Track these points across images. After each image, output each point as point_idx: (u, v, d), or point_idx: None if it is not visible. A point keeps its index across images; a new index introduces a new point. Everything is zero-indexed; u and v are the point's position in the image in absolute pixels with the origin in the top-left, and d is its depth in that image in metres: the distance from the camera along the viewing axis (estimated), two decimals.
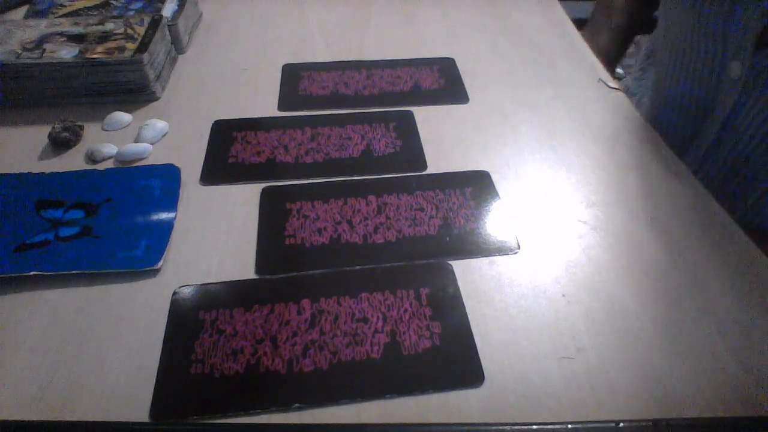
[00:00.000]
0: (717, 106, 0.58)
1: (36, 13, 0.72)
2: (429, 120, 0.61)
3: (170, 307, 0.42)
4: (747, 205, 0.59)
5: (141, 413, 0.36)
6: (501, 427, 0.35)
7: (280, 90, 0.66)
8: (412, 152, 0.57)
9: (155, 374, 0.38)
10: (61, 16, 0.71)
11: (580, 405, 0.36)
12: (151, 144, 0.57)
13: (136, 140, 0.58)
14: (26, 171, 0.54)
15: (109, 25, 0.66)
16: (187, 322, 0.41)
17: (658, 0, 0.68)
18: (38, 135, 0.58)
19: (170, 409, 0.36)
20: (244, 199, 0.51)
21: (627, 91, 0.58)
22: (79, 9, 0.73)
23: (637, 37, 0.86)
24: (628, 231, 0.48)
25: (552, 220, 0.49)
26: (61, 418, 0.35)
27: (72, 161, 0.56)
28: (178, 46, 0.72)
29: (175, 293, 0.43)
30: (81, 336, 0.40)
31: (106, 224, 0.48)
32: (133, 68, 0.61)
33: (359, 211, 0.50)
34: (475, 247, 0.47)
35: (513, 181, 0.54)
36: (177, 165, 0.54)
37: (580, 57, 0.72)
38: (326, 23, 0.80)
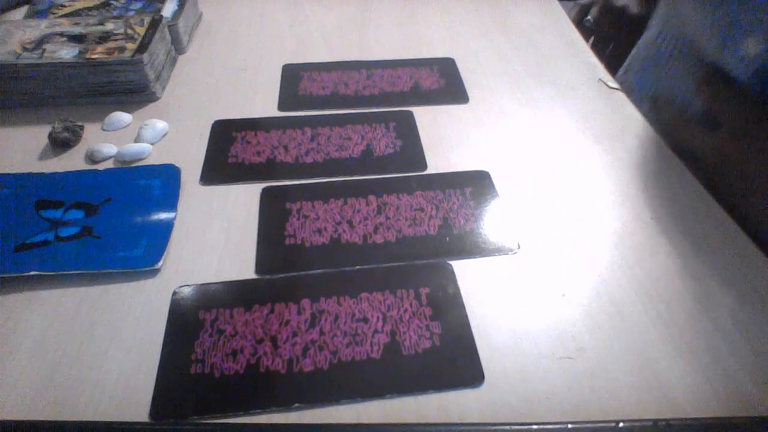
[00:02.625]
0: None
1: (36, 13, 0.72)
2: (429, 120, 0.61)
3: (170, 307, 0.42)
4: None
5: (141, 413, 0.36)
6: (501, 427, 0.35)
7: (280, 90, 0.66)
8: (412, 152, 0.57)
9: (155, 374, 0.38)
10: (61, 17, 0.71)
11: (580, 405, 0.36)
12: (151, 144, 0.57)
13: (136, 140, 0.58)
14: (26, 171, 0.54)
15: (109, 26, 0.66)
16: (187, 322, 0.41)
17: None
18: (38, 135, 0.58)
19: (170, 409, 0.36)
20: (244, 199, 0.51)
21: None
22: (79, 9, 0.73)
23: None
24: (628, 231, 0.48)
25: (552, 220, 0.49)
26: (61, 418, 0.35)
27: (72, 161, 0.56)
28: (178, 47, 0.72)
29: (175, 293, 0.43)
30: (81, 336, 0.40)
31: (106, 224, 0.48)
32: (133, 68, 0.61)
33: (359, 211, 0.50)
34: (475, 247, 0.47)
35: (513, 181, 0.54)
36: (177, 165, 0.54)
37: (580, 57, 0.72)
38: (326, 23, 0.80)
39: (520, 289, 0.43)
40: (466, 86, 0.67)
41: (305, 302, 0.42)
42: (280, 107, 0.64)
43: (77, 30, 0.65)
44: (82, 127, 0.58)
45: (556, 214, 0.50)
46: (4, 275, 0.43)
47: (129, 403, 0.36)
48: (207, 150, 0.57)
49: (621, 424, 0.35)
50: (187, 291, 0.43)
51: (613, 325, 0.41)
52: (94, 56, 0.61)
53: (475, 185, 0.53)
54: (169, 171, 0.54)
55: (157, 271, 0.45)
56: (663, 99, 0.61)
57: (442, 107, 0.64)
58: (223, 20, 0.81)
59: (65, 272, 0.44)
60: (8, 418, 0.35)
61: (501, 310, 0.42)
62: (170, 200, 0.51)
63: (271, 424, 0.35)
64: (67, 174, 0.53)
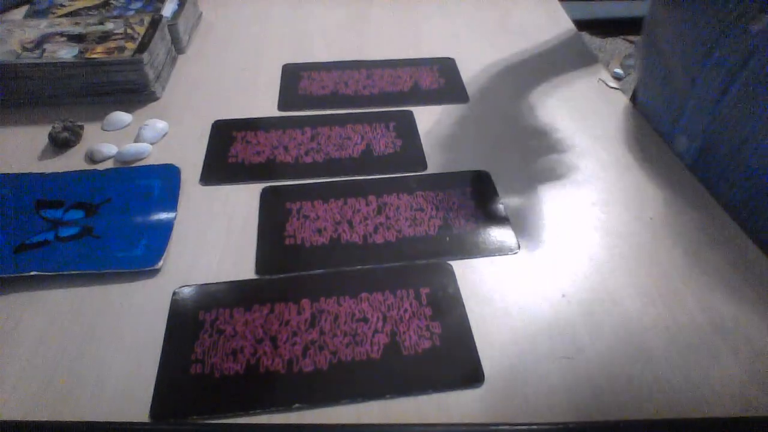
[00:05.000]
0: None
1: (36, 13, 0.72)
2: (429, 120, 0.61)
3: (170, 307, 0.42)
4: None
5: (141, 413, 0.36)
6: (501, 427, 0.35)
7: (280, 90, 0.66)
8: (412, 152, 0.57)
9: (155, 374, 0.38)
10: (61, 16, 0.71)
11: (580, 405, 0.36)
12: (151, 144, 0.57)
13: (136, 140, 0.58)
14: (26, 171, 0.54)
15: (109, 25, 0.66)
16: (187, 322, 0.41)
17: None
18: (38, 135, 0.58)
19: (170, 409, 0.36)
20: (244, 199, 0.51)
21: None
22: (79, 9, 0.73)
23: (637, 38, 0.86)
24: (628, 231, 0.48)
25: (552, 220, 0.49)
26: (61, 418, 0.35)
27: (72, 161, 0.56)
28: (178, 46, 0.72)
29: (175, 293, 0.43)
30: (81, 336, 0.40)
31: (106, 224, 0.48)
32: (132, 68, 0.61)
33: (359, 211, 0.50)
34: (475, 247, 0.47)
35: (513, 181, 0.54)
36: (177, 165, 0.54)
37: (580, 57, 0.72)
38: (326, 23, 0.80)
39: (520, 289, 0.43)
40: (466, 86, 0.67)
41: (305, 302, 0.42)
42: (280, 107, 0.64)
43: (77, 30, 0.65)
44: (82, 127, 0.58)
45: (556, 214, 0.50)
46: (4, 275, 0.43)
47: (129, 403, 0.36)
48: (207, 150, 0.57)
49: (621, 425, 0.35)
50: (187, 291, 0.43)
51: (613, 325, 0.41)
52: (93, 56, 0.61)
53: (475, 185, 0.53)
54: (169, 171, 0.54)
55: (157, 271, 0.44)
56: None
57: (442, 107, 0.64)
58: (223, 20, 0.81)
59: (65, 272, 0.44)
60: (8, 418, 0.35)
61: (501, 310, 0.42)
62: (170, 200, 0.51)
63: (271, 424, 0.35)
64: (67, 174, 0.53)
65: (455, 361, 0.39)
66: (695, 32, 0.53)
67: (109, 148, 0.56)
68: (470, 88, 0.66)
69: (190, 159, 0.56)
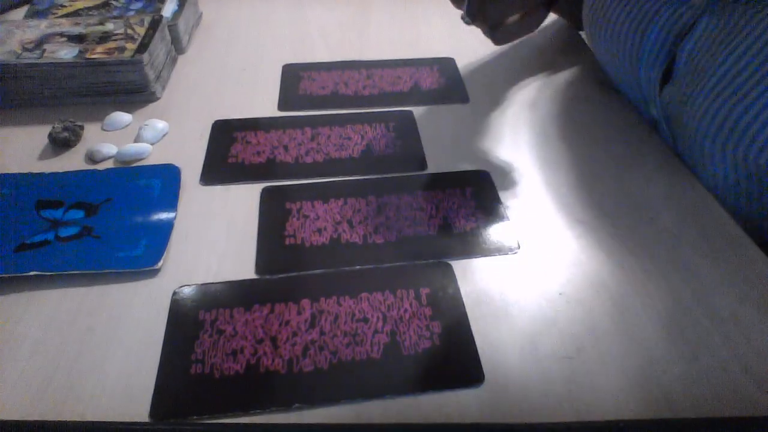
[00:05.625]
0: None
1: (36, 14, 0.72)
2: (429, 120, 0.61)
3: (170, 307, 0.42)
4: None
5: (141, 413, 0.36)
6: (501, 427, 0.35)
7: (280, 90, 0.66)
8: (412, 152, 0.57)
9: (155, 374, 0.38)
10: (61, 17, 0.71)
11: (580, 405, 0.36)
12: (151, 144, 0.57)
13: (136, 140, 0.58)
14: (26, 171, 0.54)
15: (109, 26, 0.66)
16: (187, 322, 0.41)
17: None
18: (38, 135, 0.58)
19: (170, 409, 0.36)
20: (244, 199, 0.51)
21: None
22: (79, 9, 0.73)
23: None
24: (627, 231, 0.48)
25: (552, 220, 0.49)
26: (61, 418, 0.35)
27: (72, 161, 0.56)
28: (178, 47, 0.72)
29: (175, 293, 0.43)
30: (81, 336, 0.40)
31: (106, 224, 0.48)
32: (133, 68, 0.61)
33: (359, 211, 0.50)
34: (475, 247, 0.47)
35: (513, 181, 0.54)
36: (177, 165, 0.54)
37: (580, 57, 0.72)
38: (326, 23, 0.80)
39: (520, 289, 0.43)
40: (466, 86, 0.67)
41: (305, 302, 0.42)
42: (280, 107, 0.64)
43: (77, 30, 0.65)
44: (82, 127, 0.58)
45: (556, 214, 0.50)
46: (4, 275, 0.43)
47: (129, 403, 0.36)
48: (207, 150, 0.57)
49: (621, 424, 0.35)
50: (187, 291, 0.43)
51: (612, 325, 0.41)
52: (94, 56, 0.61)
53: (475, 185, 0.53)
54: (169, 171, 0.54)
55: (157, 271, 0.44)
56: None
57: (442, 107, 0.64)
58: (223, 20, 0.81)
59: (65, 272, 0.44)
60: (8, 418, 0.35)
61: (501, 310, 0.42)
62: (170, 200, 0.51)
63: (271, 424, 0.35)
64: (67, 174, 0.53)
65: (455, 361, 0.39)
66: (634, 3, 0.54)
67: (109, 148, 0.56)
68: (470, 88, 0.66)
69: (190, 159, 0.56)
